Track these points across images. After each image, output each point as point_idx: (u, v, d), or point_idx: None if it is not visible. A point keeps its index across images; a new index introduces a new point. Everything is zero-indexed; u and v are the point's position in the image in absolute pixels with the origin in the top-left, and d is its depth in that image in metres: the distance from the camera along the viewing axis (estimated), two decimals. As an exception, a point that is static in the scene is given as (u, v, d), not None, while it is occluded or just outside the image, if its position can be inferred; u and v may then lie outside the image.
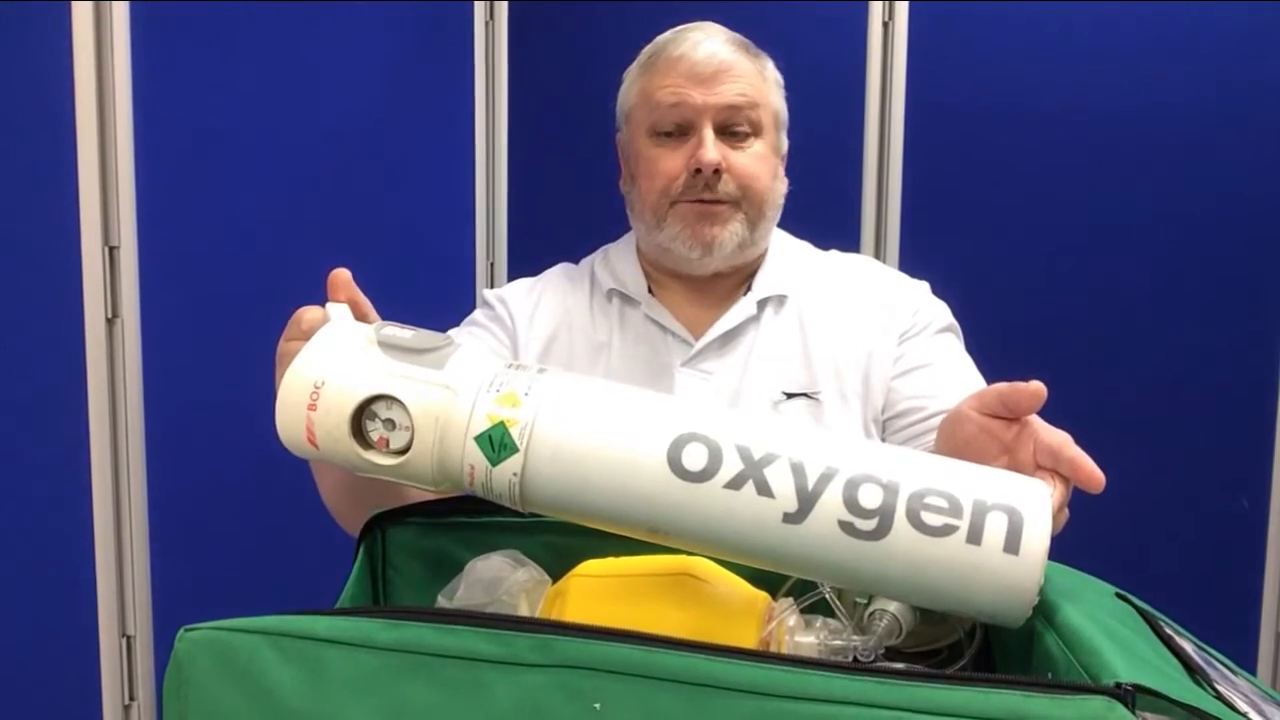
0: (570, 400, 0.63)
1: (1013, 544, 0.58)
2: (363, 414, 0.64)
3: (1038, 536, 0.58)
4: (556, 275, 1.19)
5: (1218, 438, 1.77)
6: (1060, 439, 0.68)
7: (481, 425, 0.62)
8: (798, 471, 0.59)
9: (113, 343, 1.36)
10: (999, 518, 0.58)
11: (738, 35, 1.11)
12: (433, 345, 0.65)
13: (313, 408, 0.64)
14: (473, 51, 1.92)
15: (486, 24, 1.94)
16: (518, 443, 0.61)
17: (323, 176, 1.62)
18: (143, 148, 1.37)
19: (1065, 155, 1.78)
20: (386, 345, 0.65)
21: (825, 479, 0.59)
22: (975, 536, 0.58)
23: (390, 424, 0.64)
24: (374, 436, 0.64)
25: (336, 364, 0.65)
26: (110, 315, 1.36)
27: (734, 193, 1.06)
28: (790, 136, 1.17)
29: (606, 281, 1.14)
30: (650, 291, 1.13)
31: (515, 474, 0.62)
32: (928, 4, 1.79)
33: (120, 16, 1.33)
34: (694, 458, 0.60)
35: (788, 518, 0.59)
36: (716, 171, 1.04)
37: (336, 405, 0.64)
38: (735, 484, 0.60)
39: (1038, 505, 0.59)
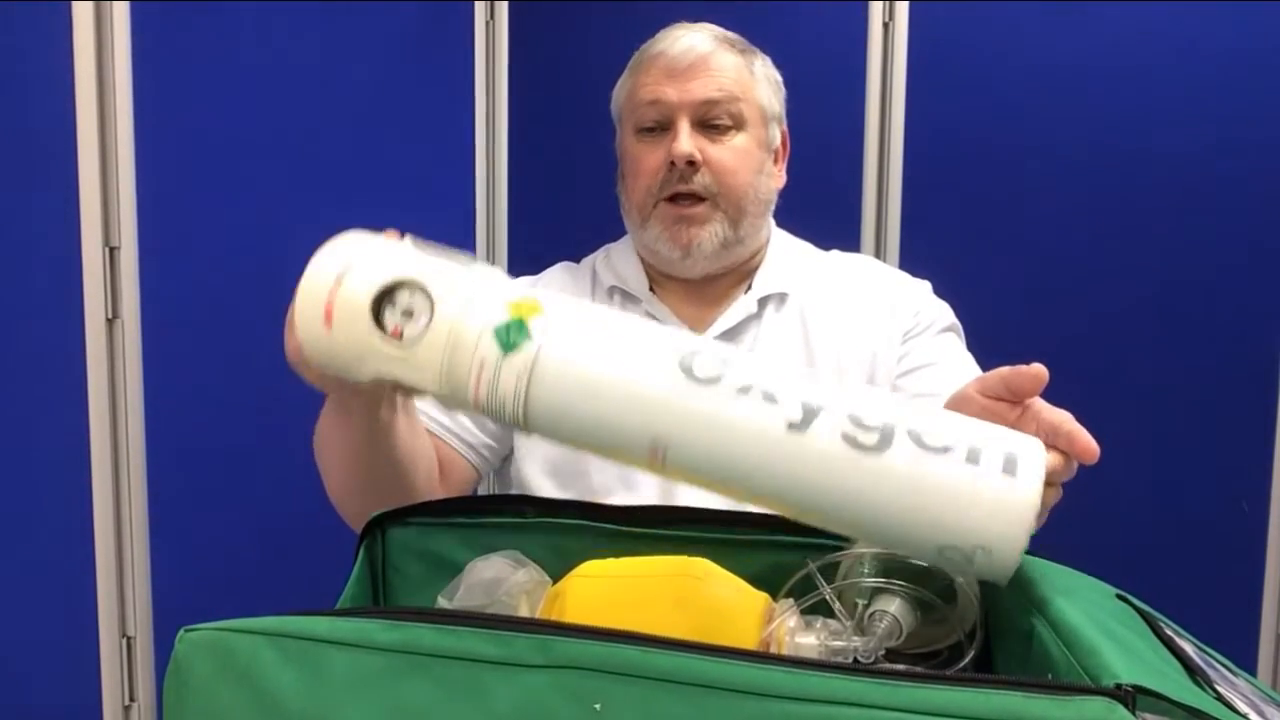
0: (587, 313, 0.65)
1: (1010, 467, 0.59)
2: (385, 300, 0.65)
3: (1034, 465, 0.59)
4: (557, 272, 1.19)
5: (1218, 438, 1.77)
6: (1061, 416, 0.70)
7: (501, 317, 0.63)
8: (803, 387, 0.61)
9: (113, 343, 1.36)
10: (996, 446, 0.60)
11: (728, 33, 1.11)
12: (461, 256, 0.68)
13: (339, 284, 0.65)
14: (473, 51, 1.92)
15: (487, 24, 1.94)
16: (534, 334, 0.62)
17: (323, 176, 1.62)
18: (143, 148, 1.37)
19: (1065, 155, 1.78)
20: (418, 244, 0.68)
21: (829, 394, 0.61)
22: (974, 457, 0.59)
23: (409, 314, 0.64)
24: (390, 325, 0.64)
25: (369, 248, 0.67)
26: (110, 315, 1.36)
27: (710, 186, 1.05)
28: (791, 135, 1.17)
29: (607, 279, 1.14)
30: (652, 290, 1.13)
31: (524, 372, 0.62)
32: (928, 4, 1.78)
33: (120, 16, 1.33)
34: (704, 366, 0.61)
35: (791, 427, 0.59)
36: (692, 164, 1.04)
37: (364, 282, 0.65)
38: (743, 390, 0.60)
39: (1033, 446, 0.61)
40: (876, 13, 1.80)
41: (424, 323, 0.64)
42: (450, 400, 0.65)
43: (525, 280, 1.18)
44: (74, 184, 1.31)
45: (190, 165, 1.45)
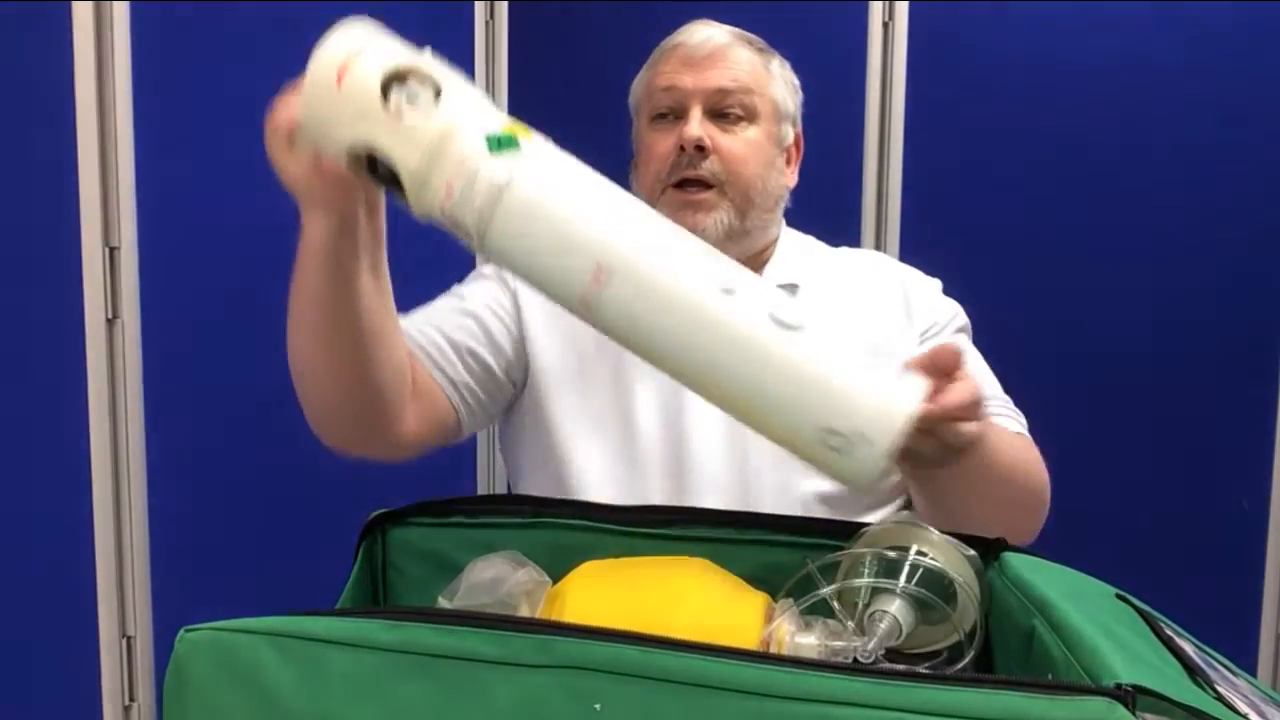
0: (572, 159, 0.71)
1: (902, 378, 0.69)
2: (397, 79, 0.69)
3: (919, 385, 0.69)
4: None
5: (1218, 438, 1.77)
6: (965, 391, 0.74)
7: (495, 128, 0.68)
8: (743, 275, 0.70)
9: (113, 343, 1.36)
10: (892, 363, 0.72)
11: (748, 33, 1.12)
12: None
13: (362, 52, 0.69)
14: (473, 51, 1.92)
15: (486, 24, 1.94)
16: (522, 149, 0.68)
17: (323, 176, 1.62)
18: (143, 148, 1.37)
19: (1065, 155, 1.78)
20: (437, 56, 0.73)
21: (764, 287, 0.71)
22: (874, 363, 0.68)
23: (413, 101, 0.69)
24: (394, 102, 0.68)
25: (393, 40, 0.72)
26: (110, 315, 1.36)
27: (719, 173, 1.06)
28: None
29: None
30: None
31: (504, 177, 0.67)
32: (928, 4, 1.78)
33: (120, 16, 1.33)
34: (665, 224, 0.71)
35: (725, 292, 0.67)
36: (701, 149, 1.05)
37: (386, 55, 0.70)
38: (691, 248, 0.70)
39: (920, 379, 0.71)
40: (876, 13, 1.80)
41: (425, 109, 0.68)
42: (420, 190, 0.69)
43: None
44: (74, 184, 1.31)
45: (190, 165, 1.45)
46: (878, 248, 1.82)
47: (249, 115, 1.52)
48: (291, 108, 0.74)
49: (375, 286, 0.87)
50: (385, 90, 0.68)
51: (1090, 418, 1.78)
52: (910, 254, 1.81)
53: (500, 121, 0.69)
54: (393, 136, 0.68)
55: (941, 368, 0.73)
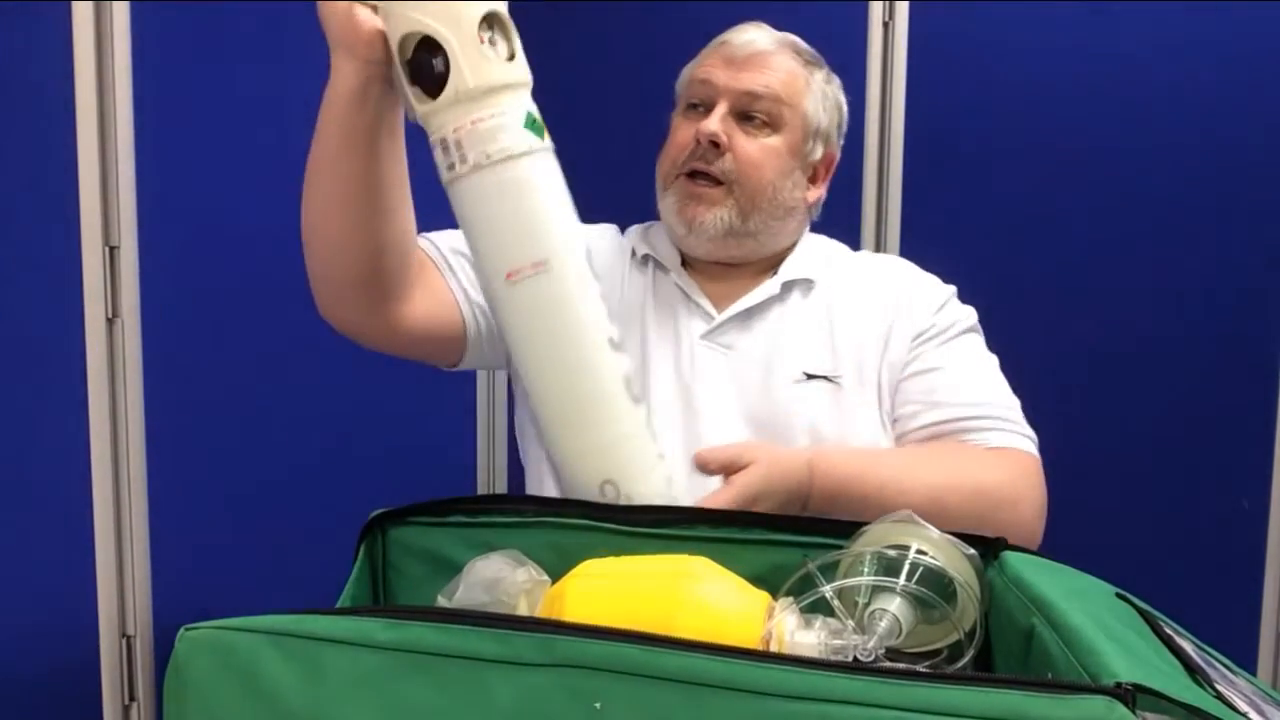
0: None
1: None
2: (491, 18, 0.78)
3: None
4: (601, 230, 1.19)
5: (1218, 438, 1.77)
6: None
7: (535, 112, 0.81)
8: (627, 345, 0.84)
9: (113, 343, 1.36)
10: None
11: (798, 41, 1.13)
12: None
13: None
14: (473, 51, 1.92)
15: (486, 24, 1.94)
16: (545, 140, 0.80)
17: (323, 176, 1.62)
18: (143, 148, 1.37)
19: (1065, 155, 1.78)
20: None
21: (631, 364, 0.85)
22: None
23: (493, 43, 0.78)
24: (479, 31, 0.77)
25: None
26: (110, 315, 1.36)
27: (729, 171, 1.06)
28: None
29: (642, 248, 1.15)
30: (684, 265, 1.14)
31: (520, 151, 0.78)
32: (928, 4, 1.78)
33: (120, 16, 1.33)
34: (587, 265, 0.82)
35: (611, 344, 0.82)
36: (716, 145, 1.05)
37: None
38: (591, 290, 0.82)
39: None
40: (876, 13, 1.80)
41: (499, 56, 0.79)
42: (450, 104, 0.78)
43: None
44: (74, 184, 1.31)
45: (190, 165, 1.45)
46: (877, 247, 1.82)
47: (249, 115, 1.53)
48: None
49: (390, 150, 0.92)
50: (482, 22, 0.77)
51: (1090, 417, 1.77)
52: (910, 254, 1.80)
53: (536, 111, 0.80)
54: (470, 53, 0.77)
55: (713, 470, 0.87)
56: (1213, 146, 1.73)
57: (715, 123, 1.05)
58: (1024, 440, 1.03)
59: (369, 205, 0.92)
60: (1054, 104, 1.77)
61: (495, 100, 0.78)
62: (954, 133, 1.80)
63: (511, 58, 0.79)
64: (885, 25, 1.80)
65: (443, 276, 1.05)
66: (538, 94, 0.82)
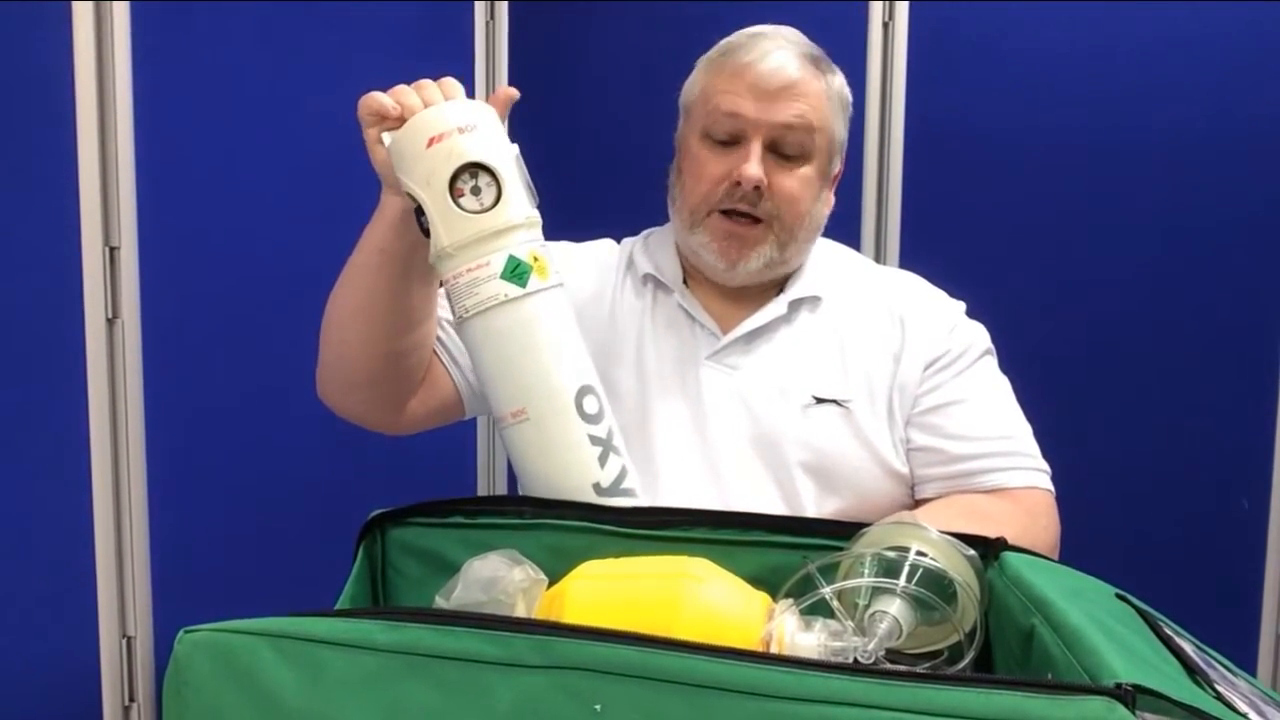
0: (564, 315, 0.85)
1: None
2: (473, 169, 0.81)
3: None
4: (594, 248, 1.18)
5: (1218, 438, 1.77)
6: None
7: (522, 253, 0.82)
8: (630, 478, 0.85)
9: (113, 343, 1.36)
10: None
11: (812, 48, 1.09)
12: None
13: (464, 131, 0.82)
14: (473, 51, 1.92)
15: (487, 24, 1.94)
16: (529, 283, 0.82)
17: (322, 176, 1.62)
18: (143, 148, 1.37)
19: (1065, 156, 1.78)
20: (519, 159, 0.86)
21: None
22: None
23: (476, 192, 0.82)
24: (457, 188, 0.82)
25: (498, 132, 0.85)
26: (110, 315, 1.35)
27: (771, 211, 1.04)
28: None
29: (644, 266, 1.13)
30: (685, 284, 1.12)
31: (496, 302, 0.81)
32: (928, 4, 1.78)
33: (120, 16, 1.33)
34: (592, 403, 0.84)
35: (595, 488, 0.83)
36: (757, 189, 1.03)
37: (477, 148, 0.82)
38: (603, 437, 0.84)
39: None
40: (876, 13, 1.80)
41: (481, 204, 0.81)
42: (439, 259, 0.83)
43: (564, 245, 1.16)
44: (74, 184, 1.31)
45: (190, 165, 1.44)
46: (877, 247, 1.83)
47: (249, 115, 1.53)
48: (392, 110, 0.88)
49: (422, 275, 0.96)
50: (457, 176, 0.81)
51: (1090, 417, 1.77)
52: (910, 255, 1.81)
53: (529, 248, 0.83)
54: (441, 212, 0.81)
55: None
56: (1215, 145, 1.73)
57: (756, 167, 1.02)
58: (1041, 477, 1.02)
59: (393, 320, 0.98)
60: (1054, 103, 1.77)
61: (473, 253, 0.81)
62: (954, 132, 1.80)
63: (497, 202, 0.82)
64: (885, 25, 1.80)
65: (437, 356, 1.08)
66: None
